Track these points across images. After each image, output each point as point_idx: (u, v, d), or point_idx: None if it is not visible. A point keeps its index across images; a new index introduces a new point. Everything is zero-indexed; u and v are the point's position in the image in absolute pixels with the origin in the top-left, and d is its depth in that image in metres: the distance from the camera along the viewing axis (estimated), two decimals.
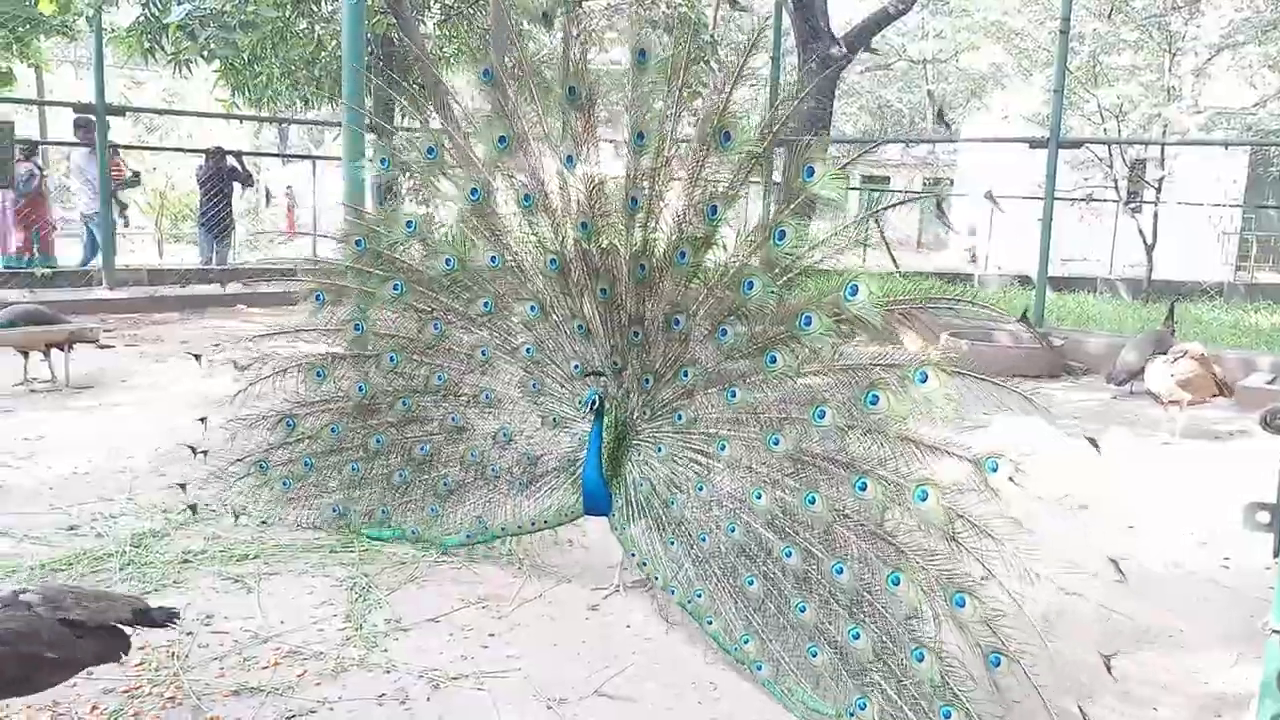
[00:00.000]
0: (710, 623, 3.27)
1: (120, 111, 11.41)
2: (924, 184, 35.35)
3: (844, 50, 13.02)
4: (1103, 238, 20.78)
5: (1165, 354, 6.66)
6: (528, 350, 3.88)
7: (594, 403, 3.54)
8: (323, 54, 12.05)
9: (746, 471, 3.33)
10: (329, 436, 4.10)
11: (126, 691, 2.89)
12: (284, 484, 4.17)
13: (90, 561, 3.77)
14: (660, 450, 3.60)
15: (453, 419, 4.00)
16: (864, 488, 3.03)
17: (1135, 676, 3.29)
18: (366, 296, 4.05)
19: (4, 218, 11.28)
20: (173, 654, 3.11)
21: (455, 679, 3.07)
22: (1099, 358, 8.90)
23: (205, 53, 8.40)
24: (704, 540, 3.36)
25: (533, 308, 3.81)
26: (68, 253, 12.56)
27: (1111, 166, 18.45)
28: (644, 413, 3.67)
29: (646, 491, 3.58)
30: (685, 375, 3.55)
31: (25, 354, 6.69)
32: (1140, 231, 17.66)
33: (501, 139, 3.80)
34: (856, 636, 2.91)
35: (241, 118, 13.82)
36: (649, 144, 3.54)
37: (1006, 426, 6.75)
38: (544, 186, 3.73)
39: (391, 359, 4.03)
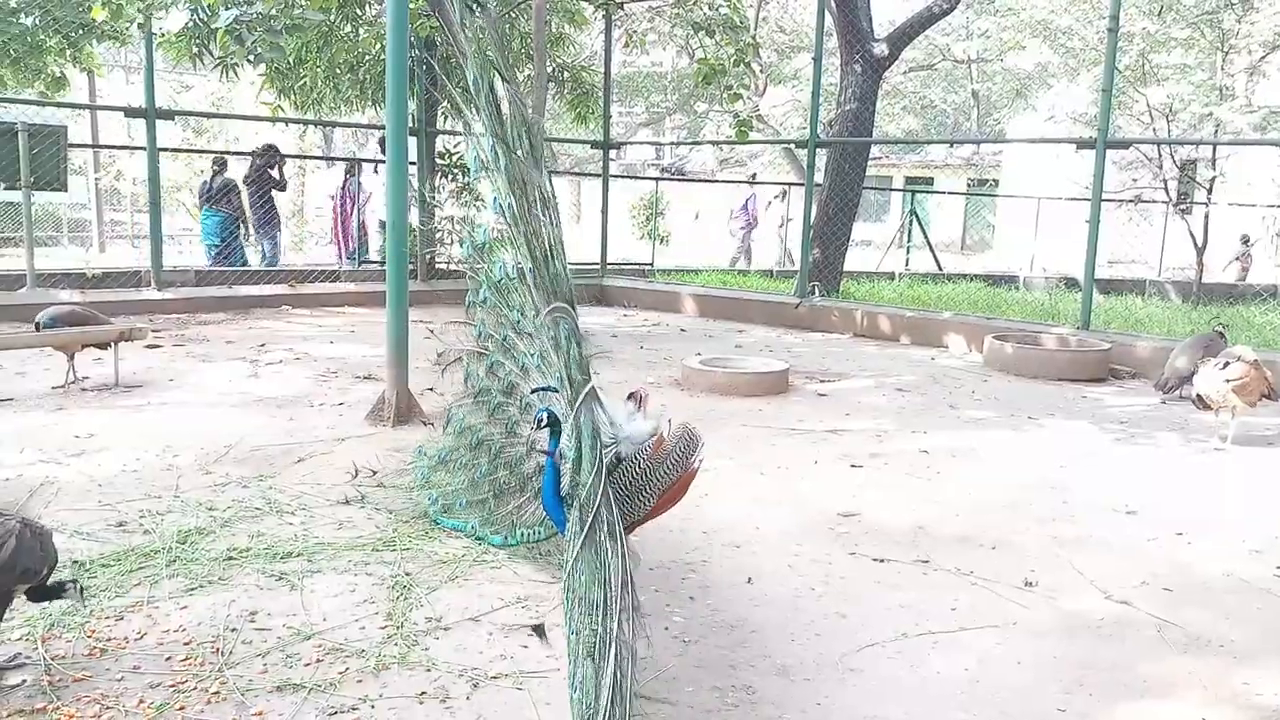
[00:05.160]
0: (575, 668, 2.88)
1: (170, 115, 11.63)
2: (968, 185, 35.03)
3: (887, 50, 12.91)
4: (1151, 240, 20.46)
5: (1215, 358, 6.53)
6: (537, 359, 3.80)
7: (541, 420, 3.34)
8: (366, 58, 12.18)
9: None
10: (456, 431, 4.24)
11: (172, 686, 2.93)
12: (420, 474, 4.40)
13: (137, 558, 3.83)
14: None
15: (512, 421, 4.01)
16: None
17: (1184, 686, 3.22)
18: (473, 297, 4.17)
19: (350, 221, 13.91)
20: (217, 650, 3.15)
21: (495, 678, 3.07)
22: (1147, 361, 8.74)
23: (252, 56, 8.51)
24: (584, 579, 2.96)
25: (535, 315, 3.66)
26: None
27: (1161, 167, 18.13)
28: None
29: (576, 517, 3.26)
30: None
31: (71, 355, 6.82)
32: (1191, 233, 17.34)
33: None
34: None
35: (286, 120, 14.03)
36: (503, 149, 3.52)
37: (1056, 431, 6.66)
38: (525, 193, 3.58)
39: (491, 361, 4.10)
